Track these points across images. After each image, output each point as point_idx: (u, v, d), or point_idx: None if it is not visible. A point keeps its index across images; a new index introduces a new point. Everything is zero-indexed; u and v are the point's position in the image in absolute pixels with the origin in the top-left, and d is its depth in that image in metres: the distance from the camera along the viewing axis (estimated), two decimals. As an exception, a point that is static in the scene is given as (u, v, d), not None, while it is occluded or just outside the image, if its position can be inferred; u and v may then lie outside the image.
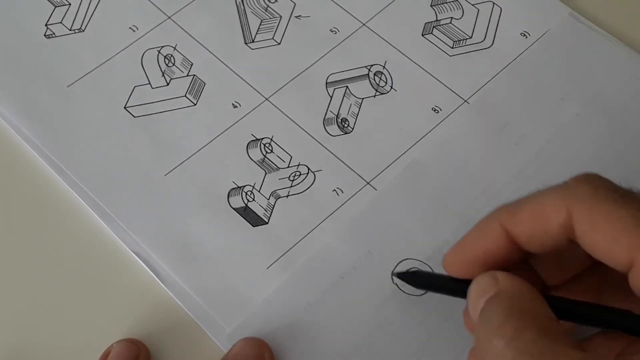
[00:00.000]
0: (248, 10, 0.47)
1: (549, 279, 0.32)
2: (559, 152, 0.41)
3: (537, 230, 0.30)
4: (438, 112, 0.43)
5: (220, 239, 0.39)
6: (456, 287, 0.32)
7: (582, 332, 0.31)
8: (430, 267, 0.38)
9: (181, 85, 0.44)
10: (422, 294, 0.37)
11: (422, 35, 0.46)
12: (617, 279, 0.29)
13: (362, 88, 0.44)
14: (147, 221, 0.40)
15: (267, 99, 0.44)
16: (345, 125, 0.43)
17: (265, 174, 0.41)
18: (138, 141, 0.42)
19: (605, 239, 0.28)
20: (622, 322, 0.28)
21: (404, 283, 0.37)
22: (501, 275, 0.30)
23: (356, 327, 0.37)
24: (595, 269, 0.32)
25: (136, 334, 0.37)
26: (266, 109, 0.43)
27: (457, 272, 0.32)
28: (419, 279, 0.36)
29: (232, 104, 0.43)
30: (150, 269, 0.39)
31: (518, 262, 0.32)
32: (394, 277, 0.37)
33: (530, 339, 0.27)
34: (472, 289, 0.30)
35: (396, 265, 0.38)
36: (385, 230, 0.39)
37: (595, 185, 0.29)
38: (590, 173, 0.30)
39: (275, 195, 0.41)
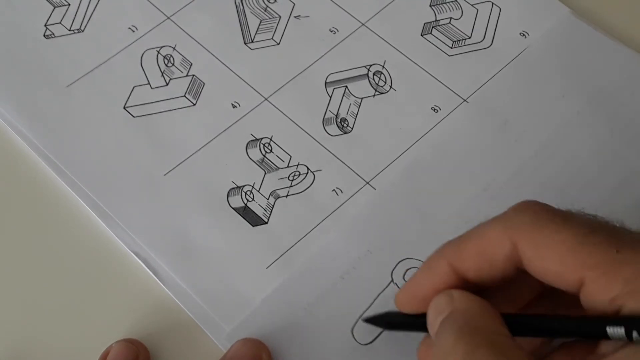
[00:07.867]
0: (247, 11, 0.47)
1: (503, 309, 0.31)
2: (559, 149, 0.41)
3: (483, 265, 0.30)
4: (437, 111, 0.43)
5: (219, 238, 0.39)
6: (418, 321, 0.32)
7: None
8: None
9: (180, 85, 0.44)
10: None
11: (422, 35, 0.46)
12: (568, 302, 0.29)
13: (361, 88, 0.44)
14: (146, 221, 0.40)
15: (266, 99, 0.44)
16: (345, 125, 0.43)
17: (265, 173, 0.41)
18: (137, 141, 0.42)
19: (552, 262, 0.28)
20: (579, 328, 0.28)
21: (403, 283, 0.37)
22: (456, 293, 0.30)
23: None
24: (546, 294, 0.32)
25: (135, 334, 0.37)
26: (265, 109, 0.43)
27: (411, 311, 0.32)
28: (391, 320, 0.35)
29: (232, 104, 0.43)
30: (149, 269, 0.39)
31: None
32: (356, 326, 0.36)
33: (482, 357, 0.26)
34: (430, 310, 0.30)
35: (396, 265, 0.38)
36: (385, 230, 0.39)
37: (534, 211, 0.29)
38: (529, 200, 0.30)
39: (275, 195, 0.41)
